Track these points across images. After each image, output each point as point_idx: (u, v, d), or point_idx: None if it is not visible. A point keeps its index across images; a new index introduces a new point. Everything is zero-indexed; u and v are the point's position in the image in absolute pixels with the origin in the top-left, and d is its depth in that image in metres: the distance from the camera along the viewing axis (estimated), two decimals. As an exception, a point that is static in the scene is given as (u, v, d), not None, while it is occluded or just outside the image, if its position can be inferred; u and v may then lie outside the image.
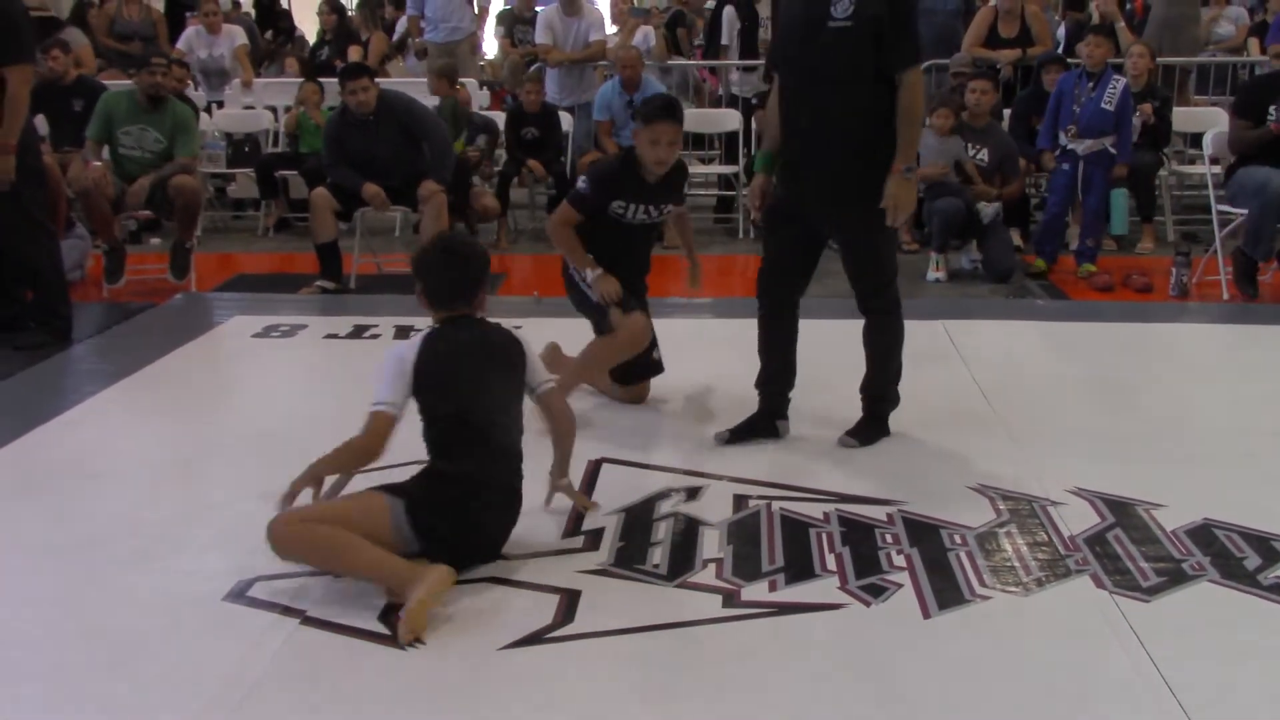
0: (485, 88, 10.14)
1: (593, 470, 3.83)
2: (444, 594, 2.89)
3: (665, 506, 3.56)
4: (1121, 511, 3.47)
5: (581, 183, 4.23)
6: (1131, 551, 3.23)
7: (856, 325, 4.02)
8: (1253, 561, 3.17)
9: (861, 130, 3.68)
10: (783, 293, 4.01)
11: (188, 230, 6.82)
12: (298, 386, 5.03)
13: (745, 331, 4.04)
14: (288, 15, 13.94)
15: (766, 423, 4.06)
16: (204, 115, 8.84)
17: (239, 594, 3.02)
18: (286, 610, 2.94)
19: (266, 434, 4.23)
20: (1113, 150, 7.07)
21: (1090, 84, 7.03)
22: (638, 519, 3.47)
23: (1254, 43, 9.77)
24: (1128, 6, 9.98)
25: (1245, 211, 6.38)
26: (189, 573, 3.14)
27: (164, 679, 2.65)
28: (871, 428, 4.05)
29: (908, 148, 3.67)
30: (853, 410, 4.07)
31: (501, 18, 11.43)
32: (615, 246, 4.27)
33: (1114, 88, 7.00)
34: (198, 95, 9.24)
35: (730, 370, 4.27)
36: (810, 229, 3.91)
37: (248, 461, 3.96)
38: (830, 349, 4.20)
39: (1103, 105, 6.98)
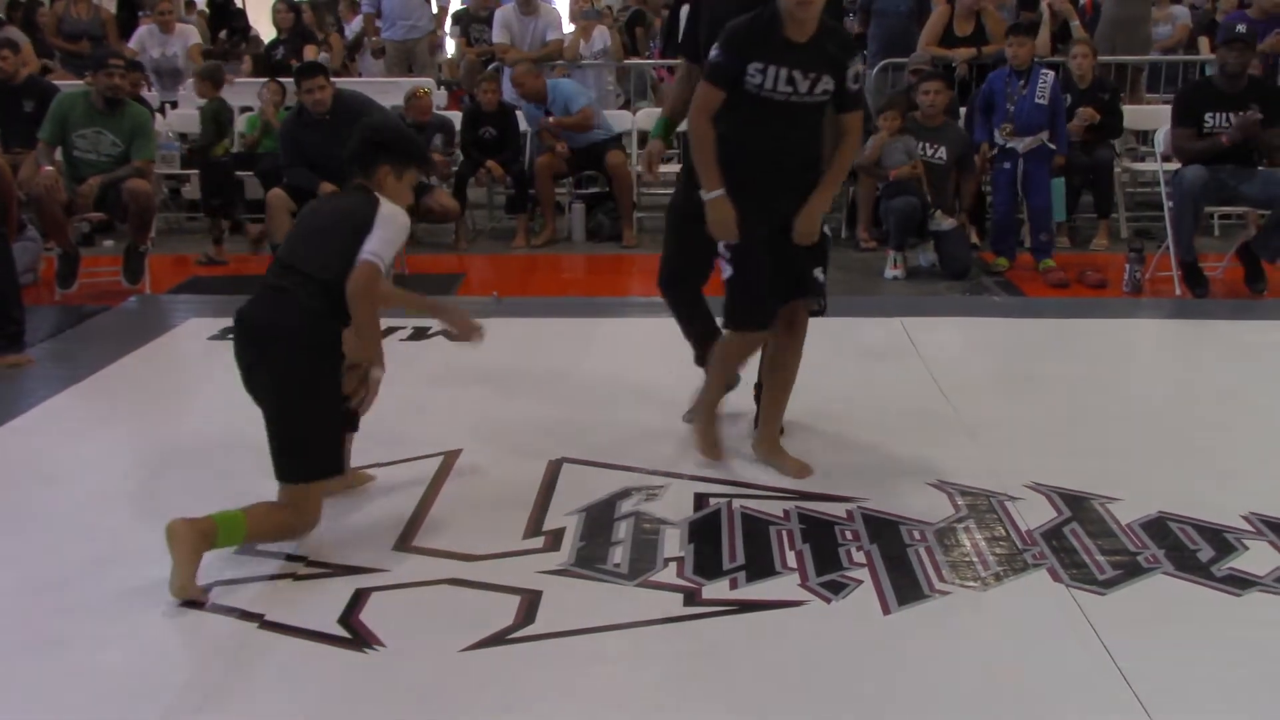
0: (442, 87, 10.10)
1: (553, 470, 3.83)
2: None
3: (626, 506, 3.56)
4: (1078, 506, 3.51)
5: (714, 49, 3.49)
6: (1088, 545, 3.26)
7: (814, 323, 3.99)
8: (1206, 553, 3.22)
9: (811, 142, 3.58)
10: (690, 290, 4.08)
11: (141, 235, 6.75)
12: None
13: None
14: (242, 14, 13.83)
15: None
16: (157, 116, 8.73)
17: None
18: (245, 614, 2.92)
19: (223, 438, 4.19)
20: (1051, 145, 7.18)
21: (1021, 82, 7.12)
22: (598, 519, 3.47)
23: (1204, 41, 9.90)
24: (1079, 5, 10.07)
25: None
26: (146, 579, 3.10)
27: (121, 686, 2.62)
28: None
29: (824, 191, 3.62)
30: (819, 406, 4.08)
31: (457, 17, 11.38)
32: (757, 142, 3.52)
33: (1044, 83, 7.11)
34: (151, 95, 9.13)
35: (689, 368, 4.27)
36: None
37: (205, 466, 3.92)
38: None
39: (1036, 101, 7.07)
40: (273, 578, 3.11)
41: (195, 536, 3.00)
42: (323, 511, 3.22)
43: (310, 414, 3.15)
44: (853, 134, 3.60)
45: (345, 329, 3.17)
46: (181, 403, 4.84)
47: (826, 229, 3.68)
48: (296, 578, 3.11)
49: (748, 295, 3.61)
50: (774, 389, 3.84)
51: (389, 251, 3.18)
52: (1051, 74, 7.24)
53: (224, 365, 5.26)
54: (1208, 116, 6.36)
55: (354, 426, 3.43)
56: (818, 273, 3.65)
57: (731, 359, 3.84)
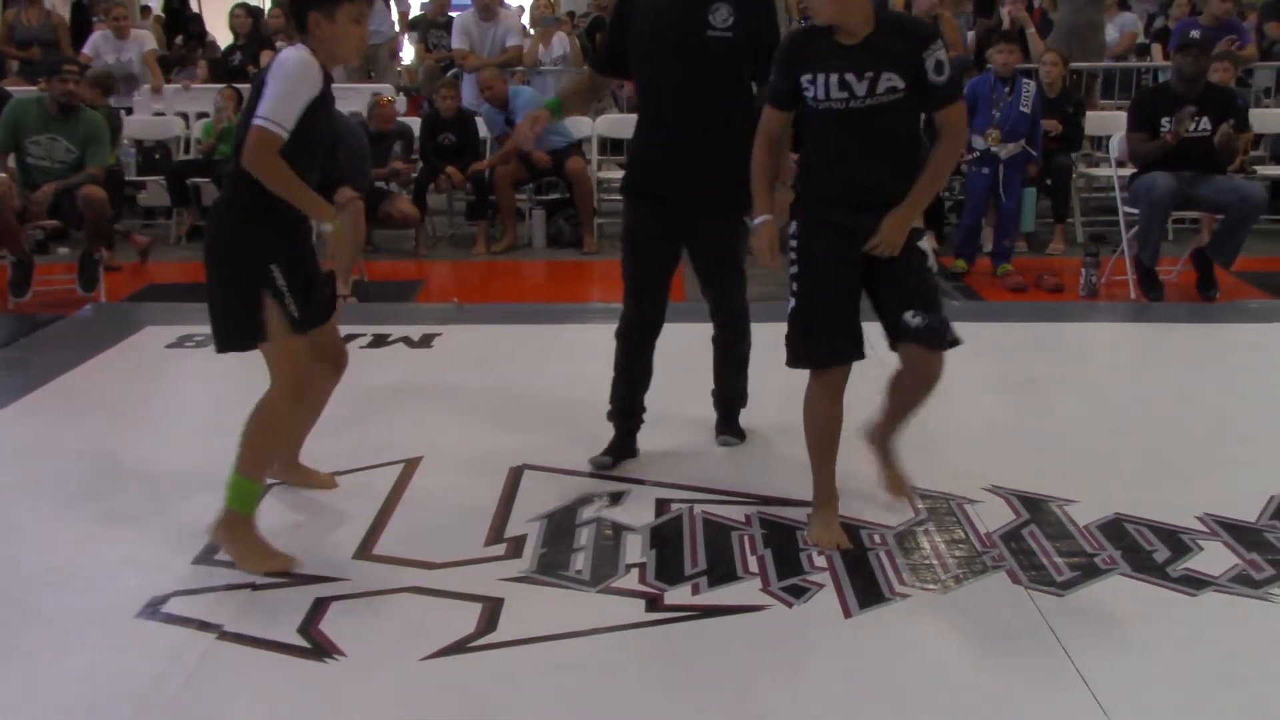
0: (401, 93, 10.07)
1: (514, 477, 3.82)
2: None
3: (588, 512, 3.56)
4: (1035, 508, 3.54)
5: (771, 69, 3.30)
6: (1046, 547, 3.29)
7: (761, 329, 3.95)
8: (1162, 554, 3.25)
9: (738, 137, 3.51)
10: (656, 315, 3.87)
11: (96, 242, 6.67)
12: (212, 398, 4.94)
13: (668, 335, 4.02)
14: (198, 19, 13.72)
15: (628, 444, 4.00)
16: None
17: (153, 610, 2.97)
18: (203, 625, 2.89)
19: (181, 447, 4.15)
20: (1032, 152, 7.26)
21: (1006, 89, 7.19)
22: (560, 525, 3.46)
23: (1157, 48, 10.02)
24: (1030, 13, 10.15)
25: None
26: (101, 590, 3.08)
27: (77, 699, 2.59)
28: (737, 424, 4.13)
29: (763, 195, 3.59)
30: (774, 412, 4.08)
31: (415, 22, 11.36)
32: (827, 159, 3.24)
33: (1028, 91, 7.21)
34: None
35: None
36: (671, 246, 3.80)
37: (161, 475, 3.88)
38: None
39: (1021, 109, 7.15)
40: (231, 588, 3.08)
41: (226, 529, 3.16)
42: (288, 427, 3.31)
43: (225, 285, 3.17)
44: (949, 131, 3.19)
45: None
46: (138, 412, 4.78)
47: (929, 253, 3.25)
48: (255, 587, 3.08)
49: (804, 330, 3.27)
50: (891, 408, 3.46)
51: (283, 107, 2.97)
52: (1033, 83, 7.36)
53: (182, 373, 5.24)
54: (1164, 121, 6.43)
55: (325, 316, 3.39)
56: (909, 316, 3.17)
57: (809, 403, 3.39)
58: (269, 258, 3.12)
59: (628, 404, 3.97)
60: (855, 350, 3.28)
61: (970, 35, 9.93)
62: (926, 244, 3.25)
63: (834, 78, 3.10)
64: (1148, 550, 3.28)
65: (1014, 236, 7.33)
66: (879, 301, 3.26)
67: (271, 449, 3.27)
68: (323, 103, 3.09)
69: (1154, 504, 3.53)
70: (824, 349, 3.28)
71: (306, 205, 3.12)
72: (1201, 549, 3.28)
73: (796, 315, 3.26)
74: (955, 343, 3.22)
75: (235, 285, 3.15)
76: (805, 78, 3.13)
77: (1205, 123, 6.35)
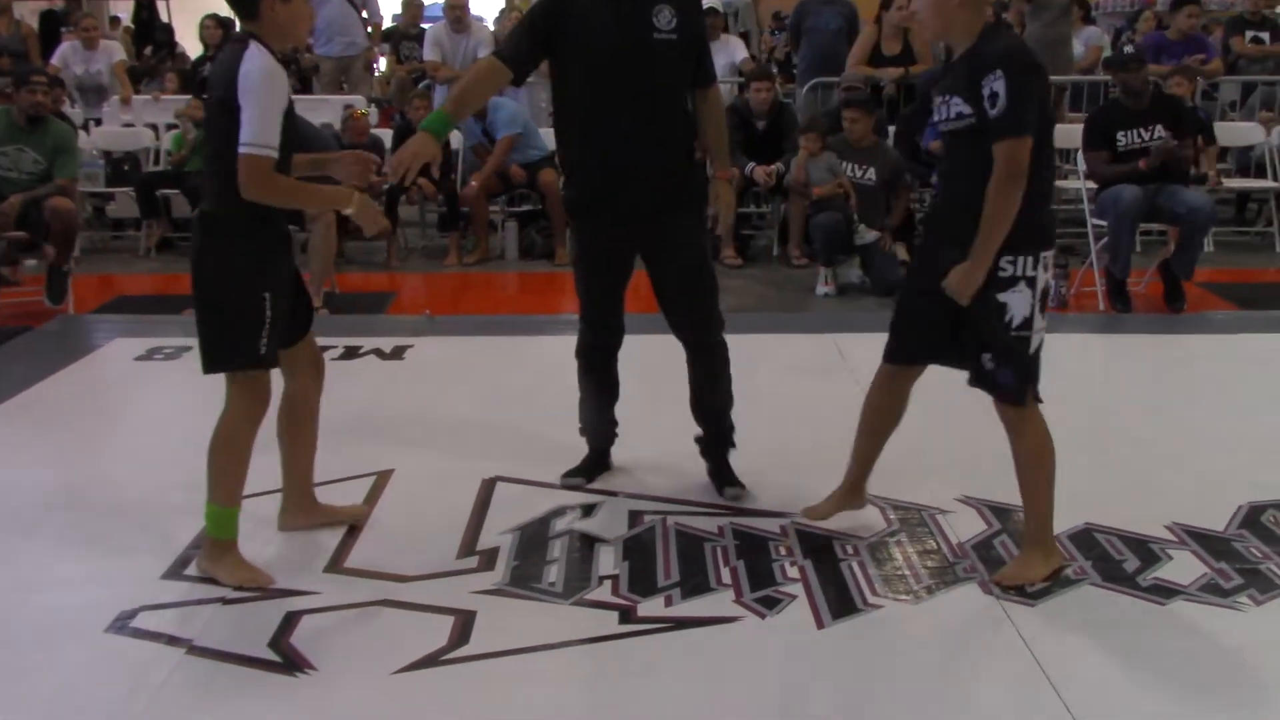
0: (373, 105, 10.04)
1: (487, 489, 3.81)
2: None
3: (560, 524, 3.55)
4: (1006, 518, 3.56)
5: None
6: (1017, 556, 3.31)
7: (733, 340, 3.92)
8: (1132, 564, 3.27)
9: (684, 137, 3.56)
10: (617, 335, 3.77)
11: (64, 254, 6.62)
12: (182, 410, 4.91)
13: (637, 346, 4.03)
14: (168, 29, 13.65)
15: (603, 462, 3.96)
16: (81, 133, 8.59)
17: (122, 625, 2.94)
18: (172, 640, 2.87)
19: (149, 461, 4.12)
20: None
21: None
22: (533, 537, 3.46)
23: (1124, 62, 10.10)
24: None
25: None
26: (70, 605, 3.05)
27: (47, 714, 2.56)
28: (732, 470, 3.82)
29: (724, 155, 3.70)
30: (752, 423, 4.09)
31: (388, 34, 11.32)
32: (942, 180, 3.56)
33: None
34: (74, 112, 8.98)
35: (624, 384, 4.26)
36: (626, 263, 3.68)
37: (130, 489, 3.85)
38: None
39: None
40: (201, 602, 3.06)
41: (211, 558, 3.16)
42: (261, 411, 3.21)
43: (214, 309, 3.11)
44: (996, 166, 2.92)
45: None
46: (107, 425, 4.75)
47: (1008, 304, 3.04)
48: (226, 601, 3.06)
49: (892, 324, 3.40)
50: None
51: (265, 127, 2.91)
52: None
53: (150, 386, 5.21)
54: (1120, 136, 6.50)
55: (306, 326, 3.36)
56: (988, 360, 3.11)
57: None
58: (262, 284, 3.06)
59: (597, 422, 3.91)
60: (907, 355, 3.35)
61: (941, 47, 9.99)
62: (1013, 295, 3.03)
63: (939, 98, 3.08)
64: (1118, 560, 3.30)
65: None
66: (964, 341, 3.18)
67: (237, 471, 3.19)
68: (290, 103, 3.05)
69: (1124, 514, 3.56)
70: (891, 345, 3.39)
71: (324, 203, 3.15)
72: (1171, 558, 3.31)
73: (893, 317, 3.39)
74: (1020, 398, 3.13)
75: (226, 310, 3.09)
76: (935, 100, 3.10)
77: (1160, 131, 6.43)
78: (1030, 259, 3.02)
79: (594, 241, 3.66)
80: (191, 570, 3.23)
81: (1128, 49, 10.09)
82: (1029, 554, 3.22)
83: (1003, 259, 3.00)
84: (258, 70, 2.93)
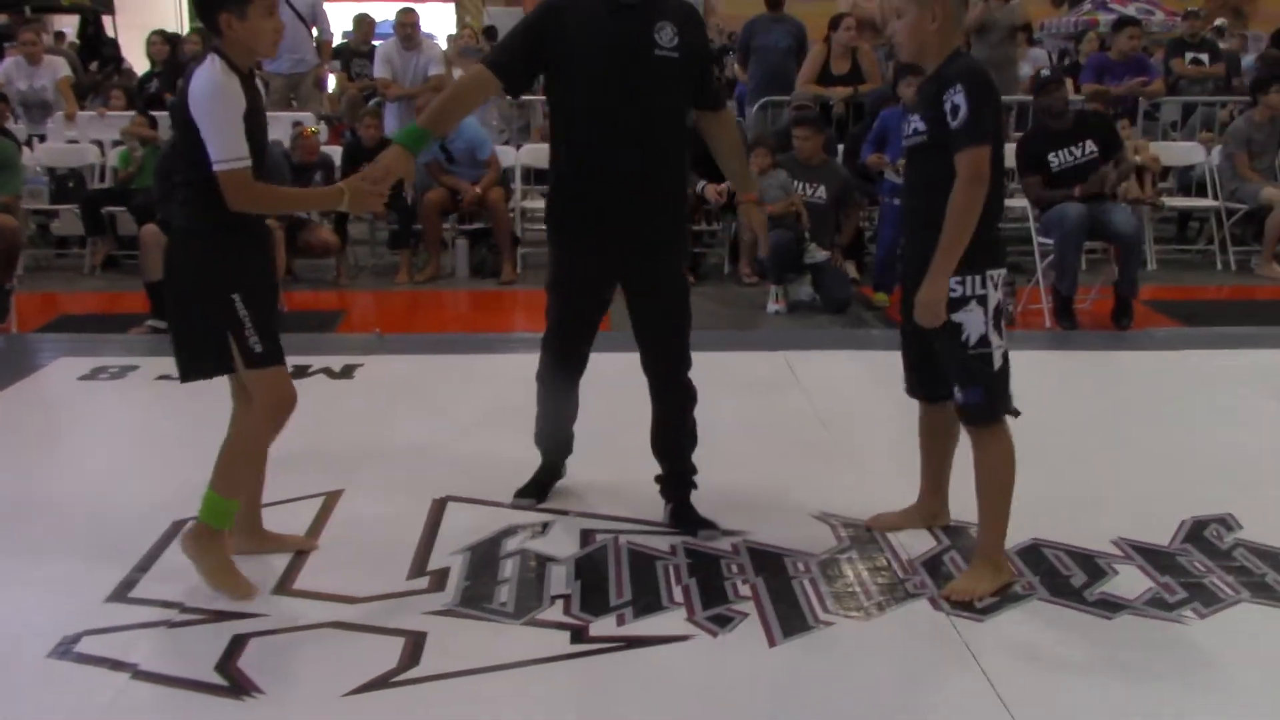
0: (323, 121, 9.99)
1: (438, 509, 3.79)
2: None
3: (512, 544, 3.54)
4: (956, 535, 3.59)
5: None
6: (966, 573, 3.33)
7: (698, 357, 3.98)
8: (1078, 579, 3.31)
9: (681, 161, 3.49)
10: (583, 361, 3.66)
11: (7, 271, 6.52)
12: (128, 430, 4.85)
13: (591, 365, 4.02)
14: (114, 45, 13.53)
15: (555, 474, 3.93)
16: (25, 149, 8.48)
17: (65, 650, 2.89)
18: (117, 665, 2.82)
19: (95, 481, 4.06)
20: (943, 182, 7.36)
21: None
22: (484, 557, 3.44)
23: (1069, 83, 10.26)
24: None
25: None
26: (11, 630, 2.99)
27: (-17, 744, 2.51)
28: (691, 504, 3.70)
29: (747, 178, 3.71)
30: (704, 440, 4.09)
31: (338, 51, 11.28)
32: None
33: None
34: (18, 128, 8.87)
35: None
36: (606, 290, 3.56)
37: (73, 510, 3.79)
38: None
39: None
40: (146, 625, 3.01)
41: (196, 541, 3.13)
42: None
43: (184, 315, 3.14)
44: (959, 177, 3.02)
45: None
46: (50, 445, 4.66)
47: (963, 323, 3.11)
48: (171, 625, 3.02)
49: (903, 362, 3.49)
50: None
51: (228, 140, 2.93)
52: None
53: (94, 406, 5.13)
54: (1051, 157, 6.62)
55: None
56: (959, 392, 3.18)
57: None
58: (230, 286, 3.06)
59: (554, 443, 3.86)
60: (919, 392, 3.48)
61: (889, 67, 10.09)
62: (966, 315, 3.11)
63: (907, 114, 3.26)
64: (1064, 575, 3.33)
65: (930, 266, 7.44)
66: (918, 346, 3.36)
67: (247, 469, 3.24)
68: (253, 101, 3.03)
69: (1070, 529, 3.60)
70: (907, 381, 3.52)
71: (314, 204, 3.10)
72: (1117, 573, 3.35)
73: None
74: (991, 417, 3.19)
75: (194, 315, 3.11)
76: None
77: (1091, 146, 6.55)
78: (978, 278, 3.11)
79: (575, 265, 3.51)
80: (137, 593, 3.18)
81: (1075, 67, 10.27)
82: (978, 568, 3.25)
83: (952, 280, 3.08)
84: (205, 86, 2.94)
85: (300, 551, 3.47)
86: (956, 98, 3.01)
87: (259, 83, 3.19)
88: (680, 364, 3.58)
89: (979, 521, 3.29)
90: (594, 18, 3.31)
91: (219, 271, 3.06)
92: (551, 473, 3.92)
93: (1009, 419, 3.24)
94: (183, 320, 3.15)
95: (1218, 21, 14.11)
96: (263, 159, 3.08)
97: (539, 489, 3.87)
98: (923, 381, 3.44)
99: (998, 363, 3.16)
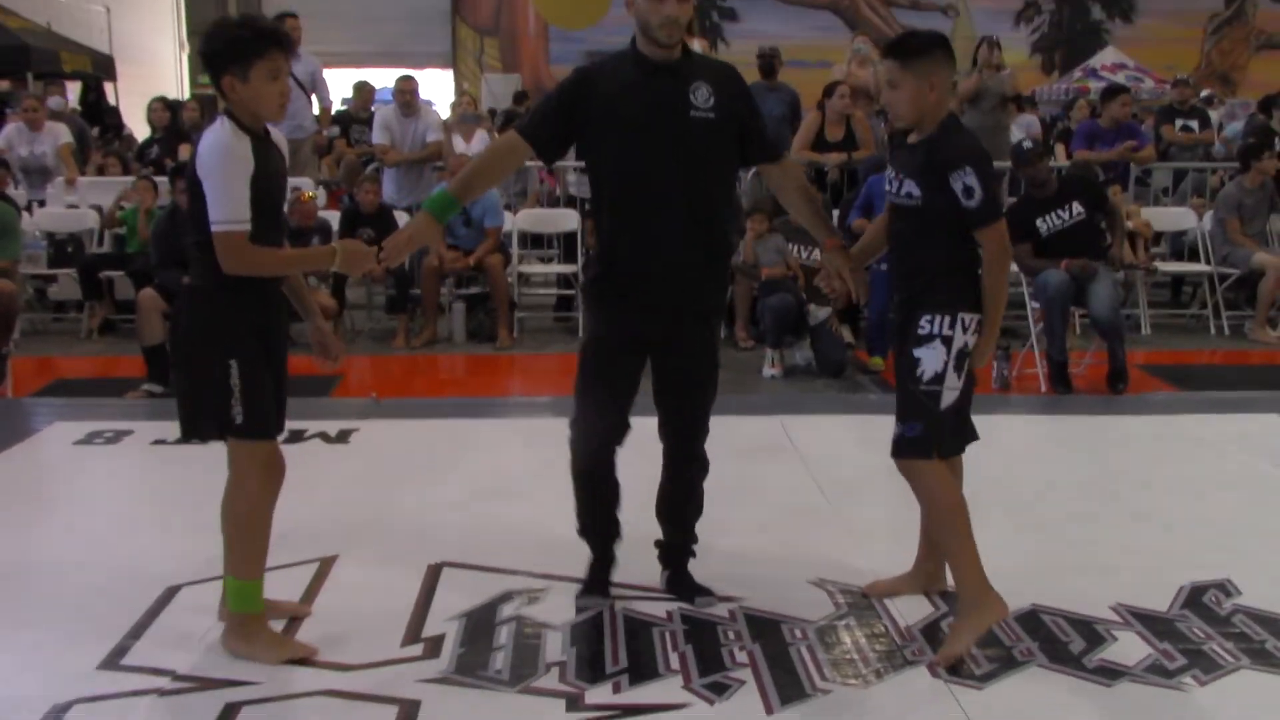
0: (321, 186, 10.07)
1: (433, 575, 3.77)
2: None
3: (508, 610, 3.51)
4: (953, 601, 3.55)
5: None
6: (964, 639, 3.31)
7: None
8: (1077, 645, 3.29)
9: (721, 230, 3.42)
10: (622, 431, 3.47)
11: (4, 336, 6.54)
12: (122, 495, 4.83)
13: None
14: (115, 112, 13.66)
15: (610, 563, 3.66)
16: (24, 214, 8.54)
17: (55, 719, 2.85)
18: (107, 734, 2.79)
19: (89, 546, 4.04)
20: (931, 247, 7.40)
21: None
22: (479, 624, 3.42)
23: (1060, 149, 10.39)
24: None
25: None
26: (5, 697, 2.96)
27: (-30, 815, 2.47)
28: (689, 571, 3.67)
29: (824, 223, 3.62)
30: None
31: (337, 117, 11.40)
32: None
33: None
34: (18, 193, 8.93)
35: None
36: (643, 357, 3.43)
37: (67, 577, 3.76)
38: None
39: None
40: (138, 693, 2.98)
41: (238, 635, 3.14)
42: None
43: (185, 373, 3.14)
44: (985, 253, 3.20)
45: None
46: (44, 511, 4.64)
47: (920, 359, 3.20)
48: (163, 693, 2.99)
49: None
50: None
51: (230, 202, 2.93)
52: None
53: (90, 471, 5.12)
54: (1039, 222, 6.70)
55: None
56: (896, 429, 3.27)
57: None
58: (229, 350, 3.04)
59: (603, 528, 3.60)
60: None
61: (884, 133, 10.20)
62: (926, 351, 3.19)
63: (890, 172, 3.34)
64: (1064, 641, 3.31)
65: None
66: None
67: (253, 542, 3.17)
68: (265, 163, 3.02)
69: (1069, 595, 3.58)
70: None
71: (307, 266, 3.12)
72: (1116, 639, 3.33)
73: None
74: (920, 452, 3.23)
75: (192, 374, 3.11)
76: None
77: (1078, 207, 6.63)
78: (948, 318, 3.21)
79: (611, 333, 3.40)
80: (130, 660, 3.15)
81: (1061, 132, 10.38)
82: (956, 625, 3.26)
83: (923, 317, 3.21)
84: (211, 147, 2.97)
85: (294, 618, 3.44)
86: (968, 180, 3.11)
87: (280, 143, 3.20)
88: (700, 435, 3.53)
89: (950, 572, 3.33)
90: (628, 82, 3.29)
91: (220, 332, 3.05)
92: (606, 565, 3.64)
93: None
94: (182, 378, 3.16)
95: (1205, 92, 14.32)
96: (277, 220, 3.10)
97: (601, 585, 3.61)
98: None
99: (946, 401, 3.22)
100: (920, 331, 3.20)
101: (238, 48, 2.98)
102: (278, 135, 3.22)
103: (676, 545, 3.66)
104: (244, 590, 3.15)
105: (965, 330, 3.20)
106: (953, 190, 3.13)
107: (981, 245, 3.20)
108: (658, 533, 3.69)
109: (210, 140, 2.98)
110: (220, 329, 3.06)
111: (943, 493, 3.26)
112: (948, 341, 3.19)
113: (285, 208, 3.25)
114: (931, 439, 3.21)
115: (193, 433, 3.17)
